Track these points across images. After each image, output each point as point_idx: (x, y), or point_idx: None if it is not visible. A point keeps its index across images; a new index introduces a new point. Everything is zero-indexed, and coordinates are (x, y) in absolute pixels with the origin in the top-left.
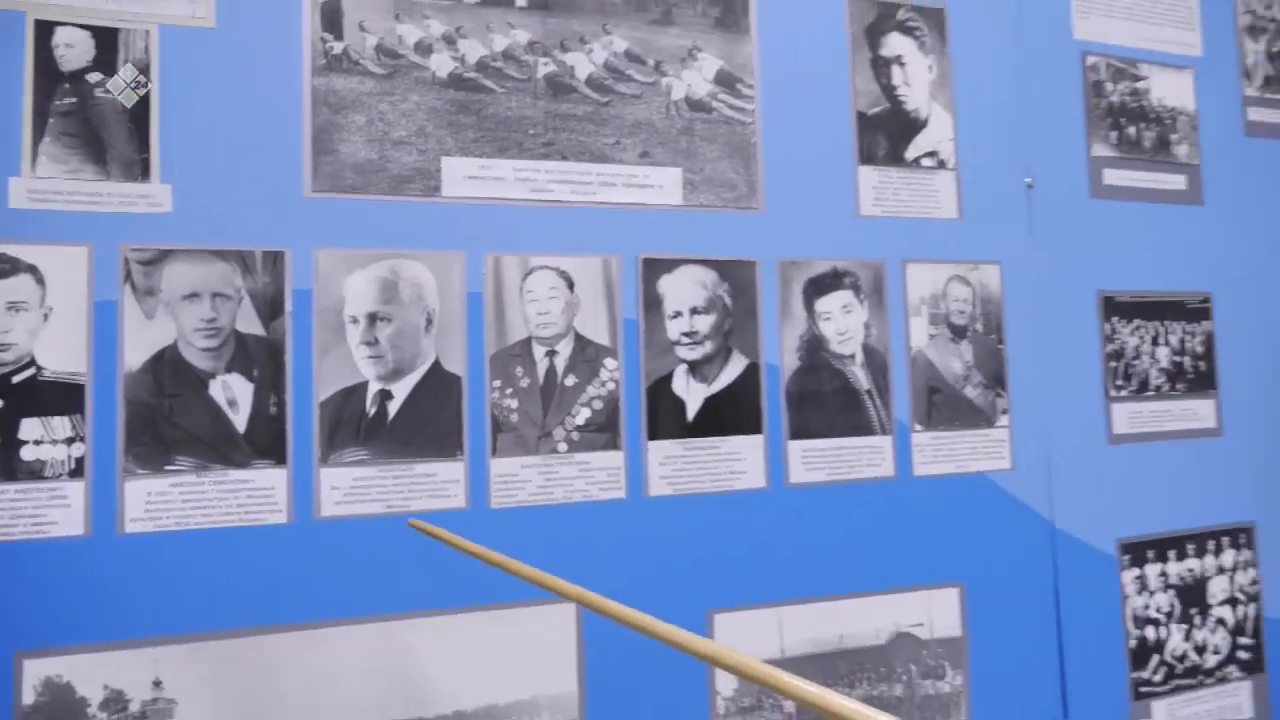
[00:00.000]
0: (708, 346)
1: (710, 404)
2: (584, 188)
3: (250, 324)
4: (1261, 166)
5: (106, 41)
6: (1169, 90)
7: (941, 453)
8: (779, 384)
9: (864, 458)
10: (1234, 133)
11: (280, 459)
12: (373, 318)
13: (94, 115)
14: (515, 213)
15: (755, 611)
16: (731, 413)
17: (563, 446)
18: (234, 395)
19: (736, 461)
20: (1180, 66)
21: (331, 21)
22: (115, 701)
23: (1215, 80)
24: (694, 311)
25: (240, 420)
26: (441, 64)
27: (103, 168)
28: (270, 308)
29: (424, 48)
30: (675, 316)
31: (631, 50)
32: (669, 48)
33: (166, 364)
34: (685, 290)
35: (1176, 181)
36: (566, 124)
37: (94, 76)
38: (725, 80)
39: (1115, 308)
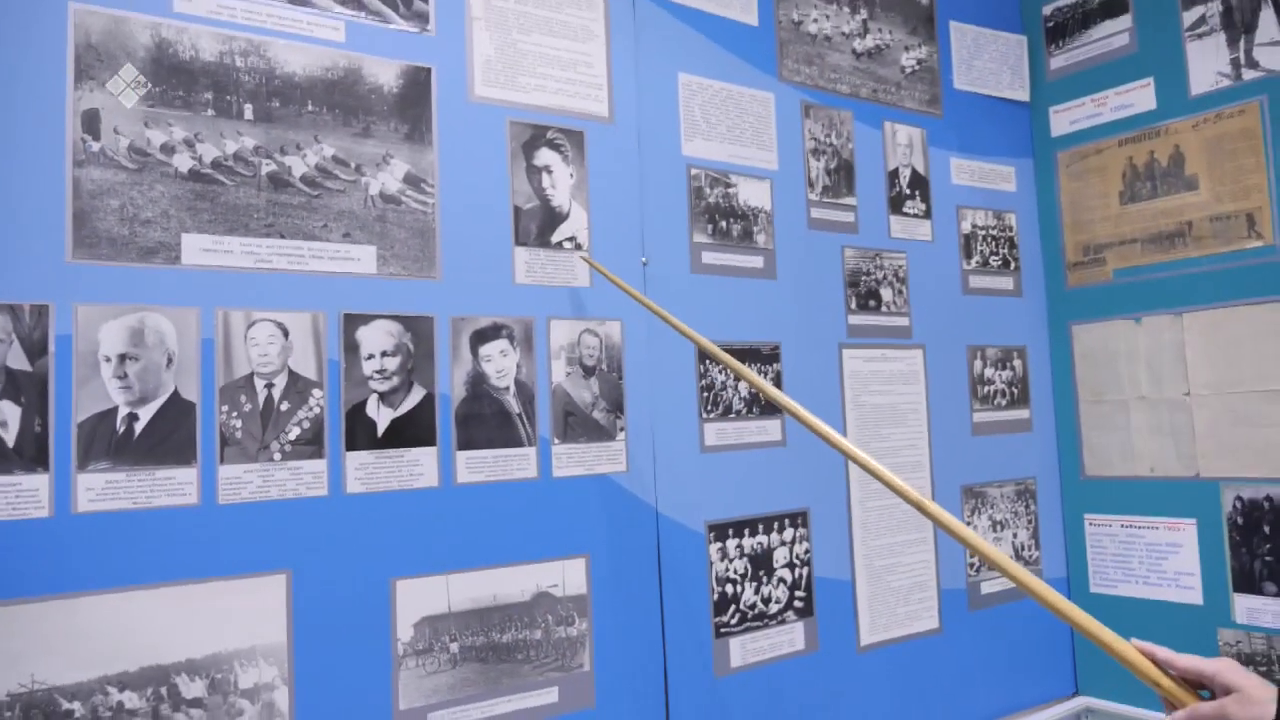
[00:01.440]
0: (394, 381)
1: (395, 424)
2: (298, 259)
3: (19, 362)
4: (818, 251)
5: None
6: (753, 194)
7: (574, 459)
8: (449, 409)
9: (515, 463)
10: (799, 226)
11: (45, 466)
12: (123, 357)
13: None
14: (242, 278)
15: (429, 578)
16: (412, 430)
17: (278, 455)
18: (4, 418)
19: (416, 466)
20: (761, 177)
21: (90, 125)
22: None
23: (787, 188)
24: (384, 354)
25: (10, 437)
26: (183, 162)
27: None
28: (37, 349)
29: (168, 149)
30: (369, 358)
31: (338, 155)
32: (368, 154)
33: None
34: (377, 338)
35: (756, 261)
36: (285, 211)
37: None
38: (412, 180)
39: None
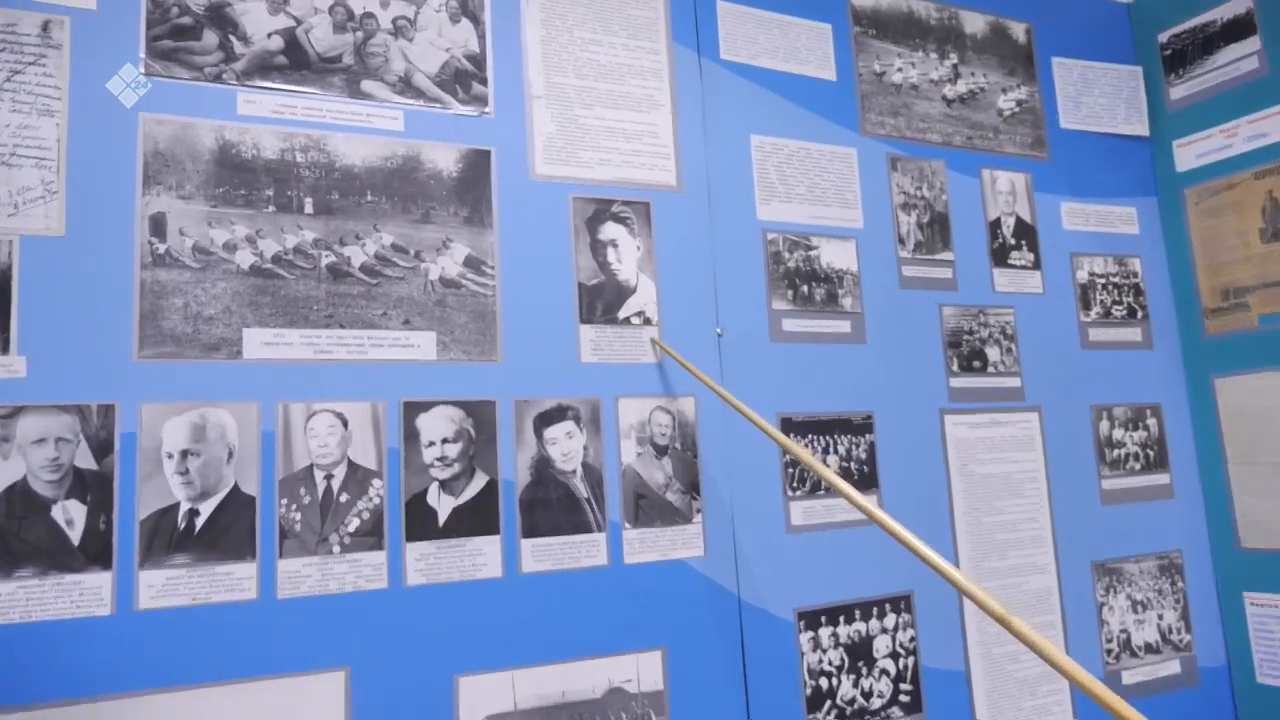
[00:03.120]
0: (456, 468)
1: (457, 512)
2: (357, 349)
3: (86, 461)
4: (912, 311)
5: None
6: (837, 255)
7: (647, 544)
8: (514, 495)
9: (583, 550)
10: (890, 286)
11: (108, 564)
12: (185, 453)
13: None
14: (301, 369)
15: (493, 674)
16: (475, 518)
17: (337, 549)
18: (70, 516)
19: (478, 556)
20: (846, 236)
21: (158, 228)
22: None
23: (875, 246)
24: (445, 441)
25: (75, 535)
26: (244, 258)
27: None
28: (103, 448)
29: (230, 246)
30: (430, 445)
31: (397, 243)
32: (427, 240)
33: (17, 494)
34: (438, 425)
35: (843, 326)
36: (344, 301)
37: None
38: (472, 263)
39: (793, 425)
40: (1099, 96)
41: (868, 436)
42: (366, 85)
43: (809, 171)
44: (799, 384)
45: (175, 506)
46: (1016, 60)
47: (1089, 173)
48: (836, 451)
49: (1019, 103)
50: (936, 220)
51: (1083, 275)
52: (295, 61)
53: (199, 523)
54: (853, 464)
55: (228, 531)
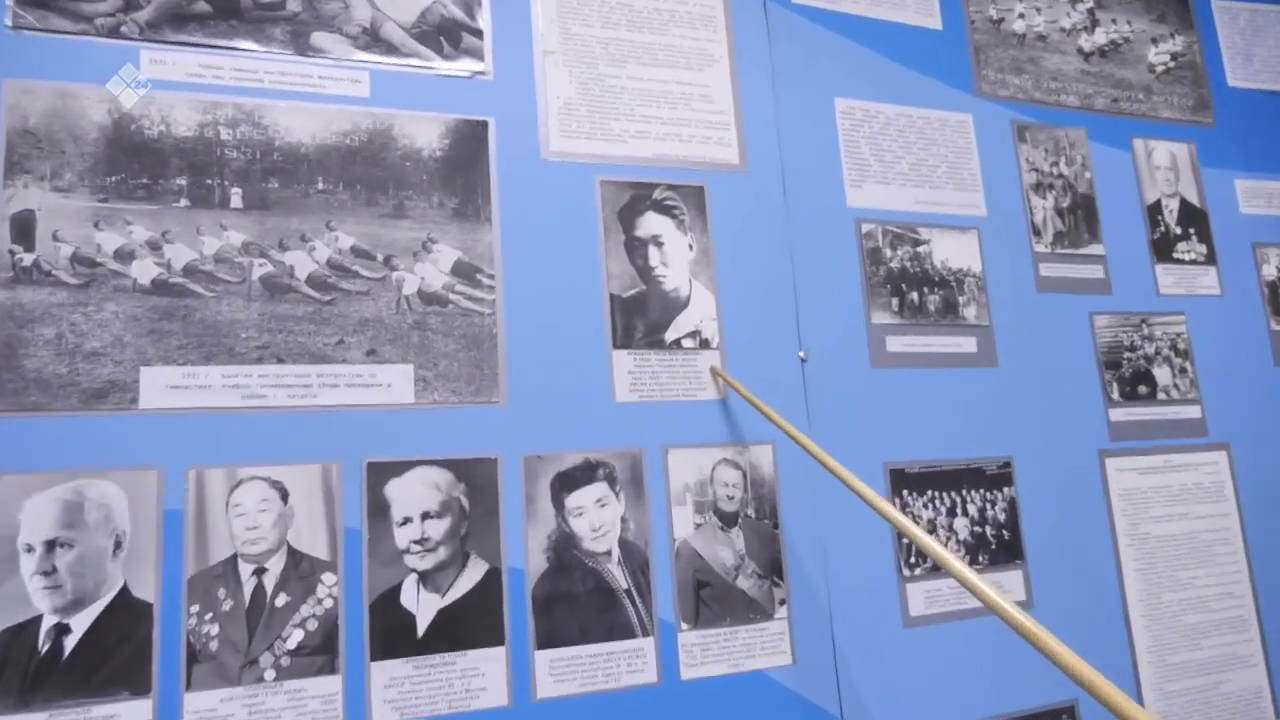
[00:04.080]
0: (441, 553)
1: (444, 616)
2: (303, 391)
3: None
4: (1054, 322)
5: None
6: (954, 251)
7: (712, 652)
8: (524, 589)
9: (623, 664)
10: (1025, 290)
11: None
12: (51, 544)
13: None
14: (223, 421)
15: None
16: (469, 624)
17: (270, 674)
18: None
19: (475, 678)
20: (964, 227)
21: (22, 231)
22: None
23: (1002, 239)
24: (425, 516)
25: None
26: (144, 271)
27: None
28: None
29: (125, 255)
30: (404, 523)
31: (359, 246)
32: (401, 240)
33: None
34: (416, 494)
35: (965, 343)
36: (284, 325)
37: None
38: (463, 271)
39: (905, 480)
40: (1274, 48)
41: (1006, 490)
42: (319, 39)
43: (912, 144)
44: (911, 423)
45: (34, 622)
46: (1167, 4)
47: (1267, 141)
48: (965, 513)
49: (1174, 56)
50: (1080, 204)
51: (1270, 271)
52: (221, 9)
53: (69, 643)
54: (988, 528)
55: (111, 655)
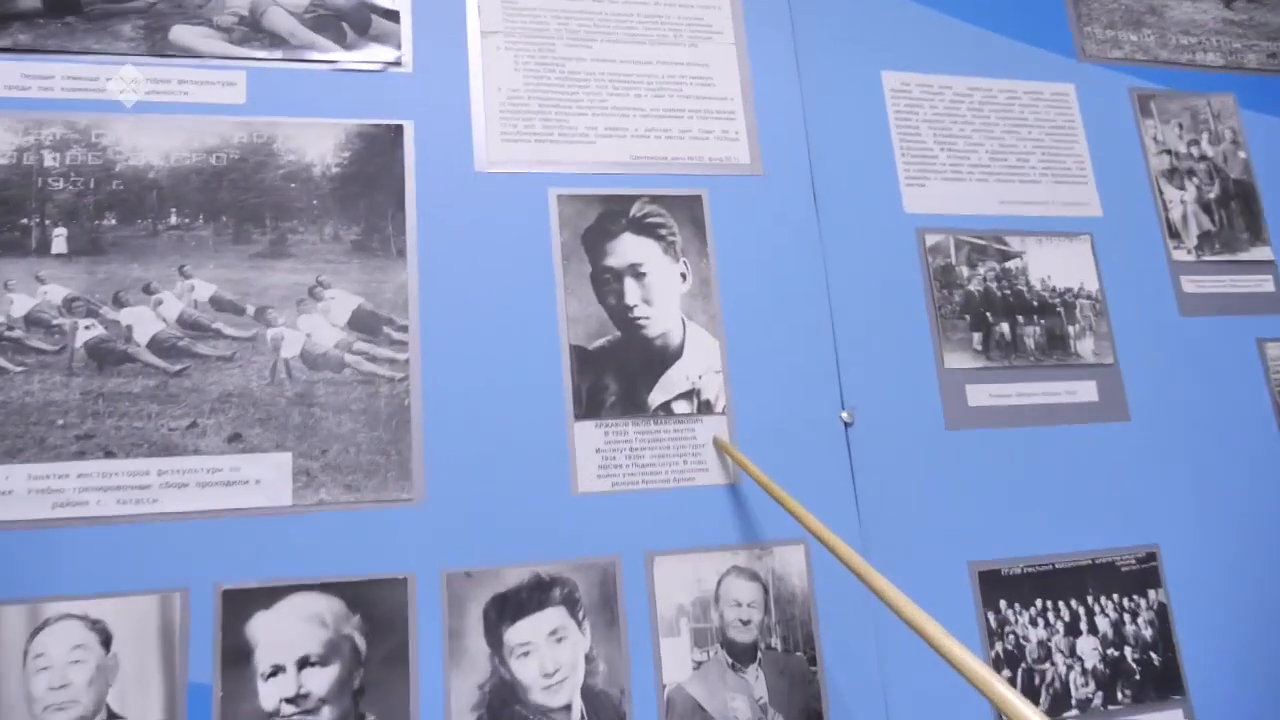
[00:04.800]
0: (326, 714)
1: None
2: (137, 495)
3: None
4: (1207, 356)
5: None
6: (1057, 265)
7: None
8: None
9: None
10: (1165, 313)
11: None
12: None
13: None
14: (26, 540)
15: None
16: None
17: None
18: None
19: None
20: (1073, 232)
21: None
22: None
23: (1125, 245)
24: (304, 664)
25: None
26: None
27: None
28: None
29: None
30: (273, 674)
31: (220, 295)
32: (279, 287)
33: None
34: (291, 632)
35: (1082, 391)
36: (116, 406)
37: None
38: (365, 323)
39: (1002, 586)
40: None
41: (1151, 594)
42: (181, 34)
43: (993, 126)
44: (1007, 505)
45: None
46: None
47: None
48: (1093, 629)
49: None
50: (1234, 193)
51: None
52: (55, 5)
53: None
54: (1128, 649)
55: None
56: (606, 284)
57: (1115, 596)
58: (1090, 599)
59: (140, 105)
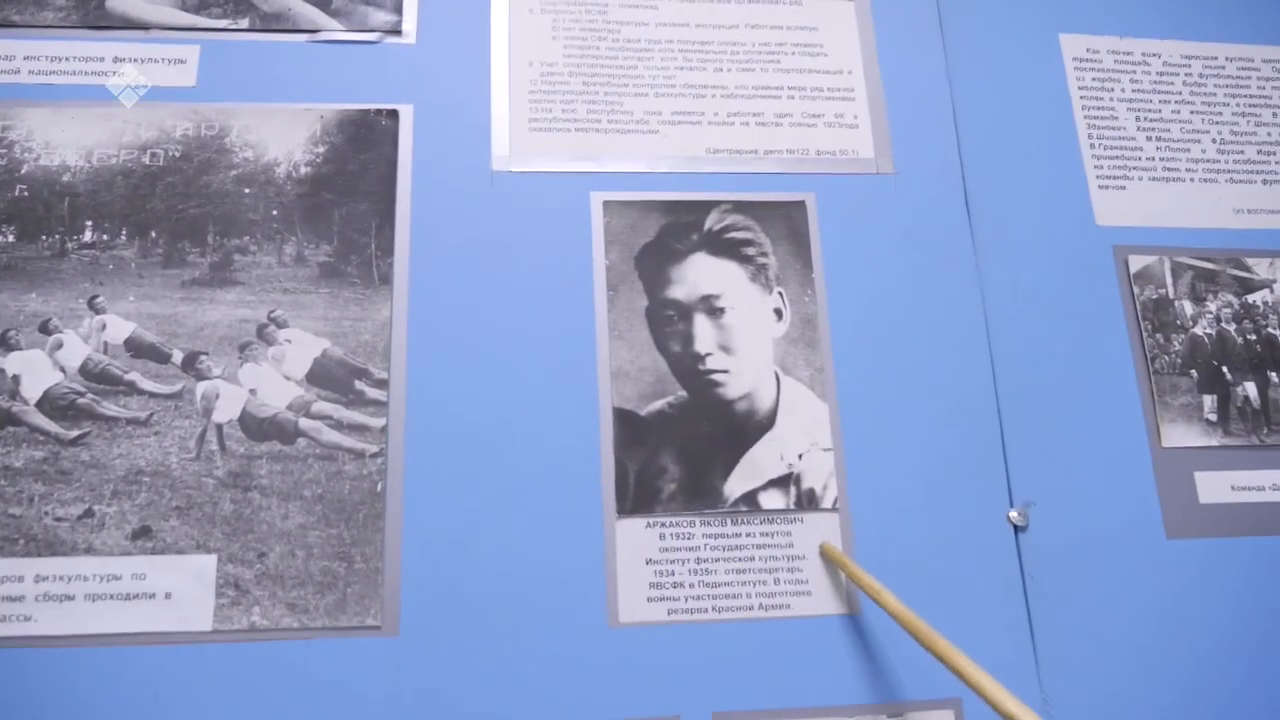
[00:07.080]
0: None
1: None
2: (5, 608)
3: None
4: None
5: None
6: None
7: None
8: None
9: None
10: None
11: None
12: None
13: None
14: None
15: None
16: None
17: None
18: None
19: None
20: None
21: None
22: None
23: None
24: None
25: None
26: None
27: None
28: None
29: None
30: None
31: (141, 336)
32: (219, 325)
33: None
34: None
35: None
36: None
37: None
38: (330, 376)
39: None
40: None
41: None
42: (121, 3)
43: (1219, 108)
44: (1265, 646)
45: None
46: None
47: None
48: None
49: None
50: None
51: None
52: None
53: None
54: None
55: None
56: (669, 323)
57: None
58: None
59: (59, 89)
